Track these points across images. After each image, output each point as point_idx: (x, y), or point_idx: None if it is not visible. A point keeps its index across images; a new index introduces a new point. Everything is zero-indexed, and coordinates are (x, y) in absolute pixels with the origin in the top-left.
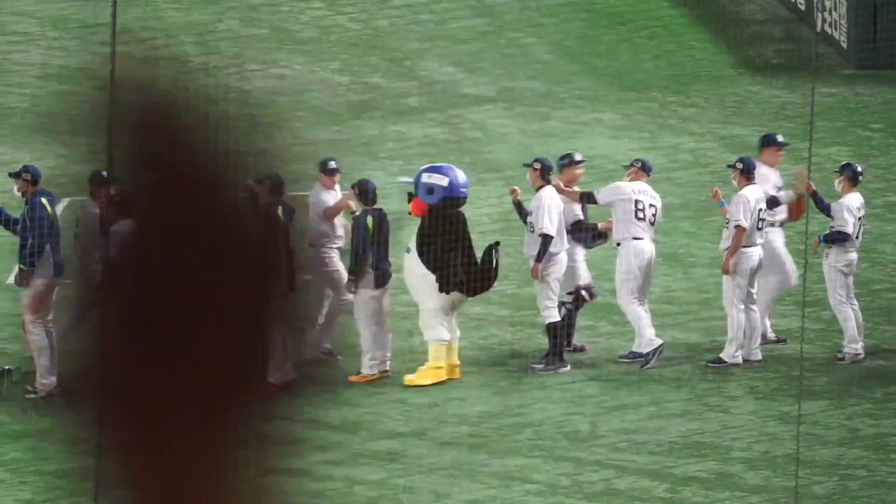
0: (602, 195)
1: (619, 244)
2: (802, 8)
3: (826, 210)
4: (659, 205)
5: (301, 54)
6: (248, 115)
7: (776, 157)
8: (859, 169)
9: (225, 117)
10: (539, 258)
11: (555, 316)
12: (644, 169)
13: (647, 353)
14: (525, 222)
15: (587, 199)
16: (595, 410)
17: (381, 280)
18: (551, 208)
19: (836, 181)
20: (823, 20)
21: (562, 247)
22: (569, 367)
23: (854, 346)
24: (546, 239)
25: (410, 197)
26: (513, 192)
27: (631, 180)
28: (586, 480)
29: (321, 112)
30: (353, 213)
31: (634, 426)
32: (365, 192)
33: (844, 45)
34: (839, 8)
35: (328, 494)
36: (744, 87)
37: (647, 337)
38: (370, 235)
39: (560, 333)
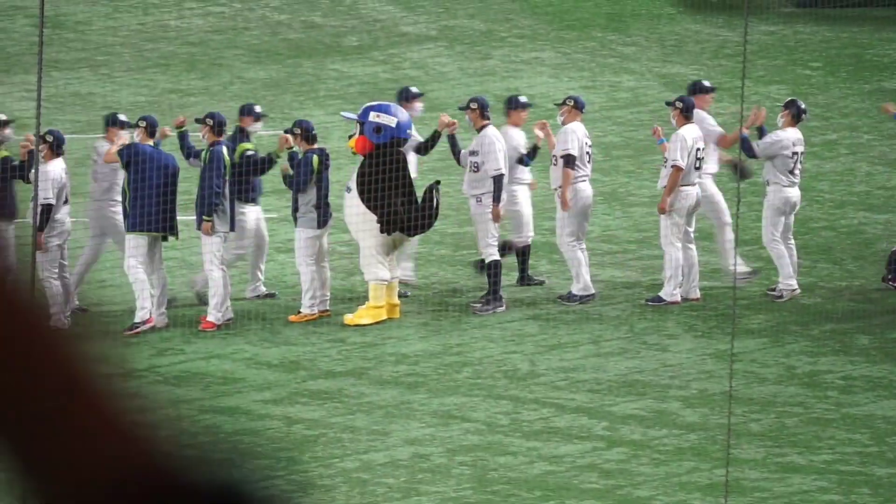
0: (572, 148)
1: (560, 187)
2: None
3: (749, 151)
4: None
5: None
6: None
7: (706, 101)
8: (803, 107)
9: None
10: (496, 199)
11: (495, 255)
12: (577, 107)
13: (578, 296)
14: (456, 159)
15: (568, 163)
16: (534, 349)
17: (323, 220)
18: (497, 147)
19: (780, 115)
20: None
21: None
22: (505, 307)
23: (788, 282)
24: (499, 178)
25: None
26: (451, 125)
27: (564, 119)
28: (525, 419)
29: (259, 50)
30: (290, 149)
31: (573, 365)
32: (306, 131)
33: None
34: None
35: (267, 433)
36: (683, 25)
37: (584, 282)
38: (314, 175)
39: (498, 273)
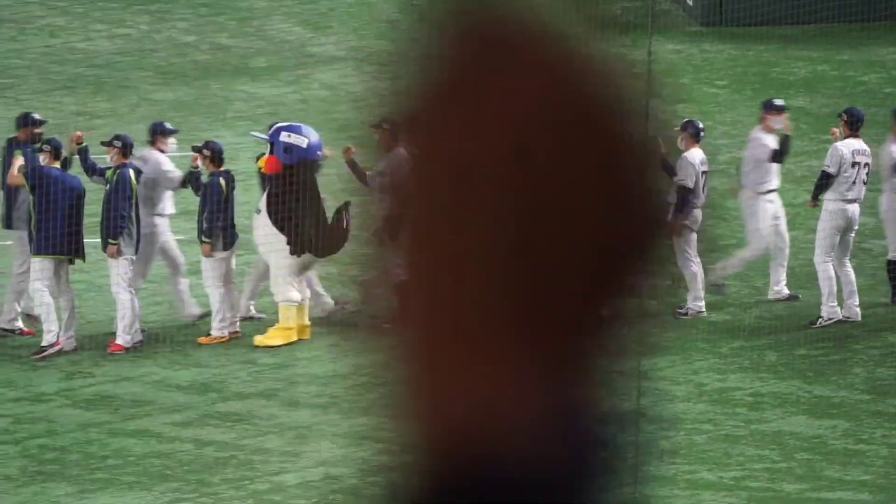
0: None
1: None
2: None
3: (669, 169)
4: None
5: (147, 14)
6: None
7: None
8: (700, 126)
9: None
10: None
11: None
12: None
13: None
14: (362, 181)
15: None
16: None
17: (230, 242)
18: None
19: (679, 138)
20: None
21: None
22: None
23: (698, 303)
24: None
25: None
26: (346, 151)
27: None
28: None
29: (167, 72)
30: (194, 169)
31: None
32: (215, 153)
33: (690, 3)
34: None
35: (177, 456)
36: (591, 44)
37: None
38: (222, 197)
39: None
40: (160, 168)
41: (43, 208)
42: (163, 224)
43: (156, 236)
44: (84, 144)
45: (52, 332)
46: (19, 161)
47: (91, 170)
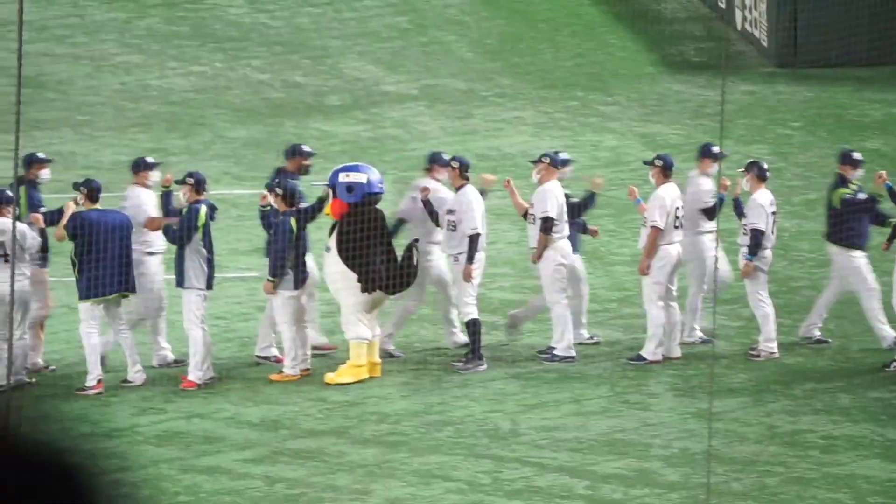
0: (551, 210)
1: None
2: (723, 6)
3: (739, 210)
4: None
5: (221, 52)
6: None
7: (712, 165)
8: (765, 166)
9: None
10: (470, 258)
11: (474, 313)
12: (554, 164)
13: (560, 357)
14: (434, 220)
15: (546, 227)
16: (515, 408)
17: (301, 280)
18: (475, 207)
19: (745, 179)
20: (744, 18)
21: (484, 245)
22: (486, 366)
23: (769, 345)
24: (475, 238)
25: (322, 200)
26: (423, 190)
27: (541, 177)
28: (506, 478)
29: (241, 110)
30: (264, 207)
31: (555, 423)
32: (287, 192)
33: (764, 44)
34: (759, 6)
35: (248, 493)
36: (664, 85)
37: (567, 342)
38: (292, 236)
39: (478, 331)
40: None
41: (83, 252)
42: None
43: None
44: (170, 188)
45: (93, 374)
46: (70, 208)
47: (168, 213)
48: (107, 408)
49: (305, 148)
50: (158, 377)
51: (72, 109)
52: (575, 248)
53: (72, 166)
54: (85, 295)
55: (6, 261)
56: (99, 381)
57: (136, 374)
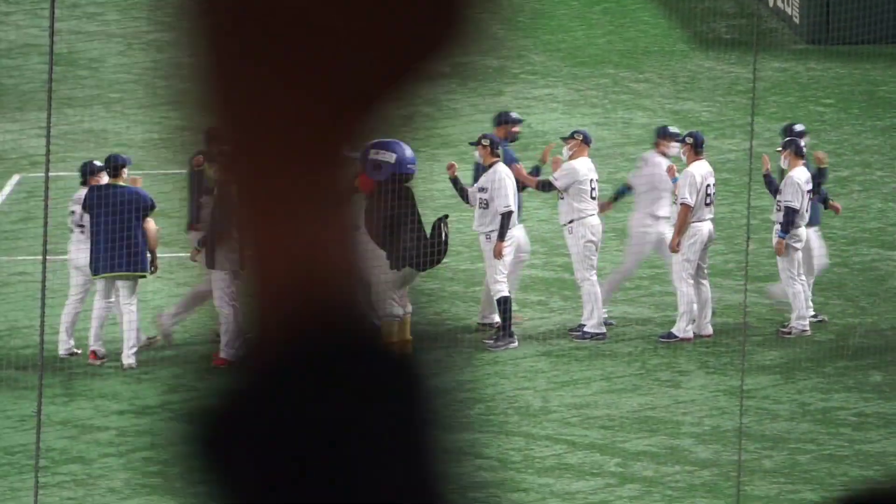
0: (560, 181)
1: (571, 222)
2: None
3: (774, 189)
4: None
5: None
6: None
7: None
8: (802, 143)
9: None
10: (501, 236)
11: (504, 291)
12: (585, 141)
13: (590, 334)
14: (463, 198)
15: (545, 186)
16: (546, 385)
17: None
18: (507, 185)
19: (782, 157)
20: None
21: (517, 222)
22: (517, 343)
23: (801, 322)
24: (507, 216)
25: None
26: (450, 167)
27: (572, 153)
28: (537, 455)
29: None
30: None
31: (585, 401)
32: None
33: (797, 21)
34: None
35: None
36: (695, 62)
37: (598, 318)
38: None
39: (509, 308)
40: None
41: (93, 228)
42: None
43: None
44: (203, 166)
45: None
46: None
47: (205, 192)
48: (138, 385)
49: (514, 115)
50: (191, 354)
51: (104, 87)
52: (815, 222)
53: (103, 144)
54: (97, 270)
55: (82, 232)
56: (93, 353)
57: (129, 357)
